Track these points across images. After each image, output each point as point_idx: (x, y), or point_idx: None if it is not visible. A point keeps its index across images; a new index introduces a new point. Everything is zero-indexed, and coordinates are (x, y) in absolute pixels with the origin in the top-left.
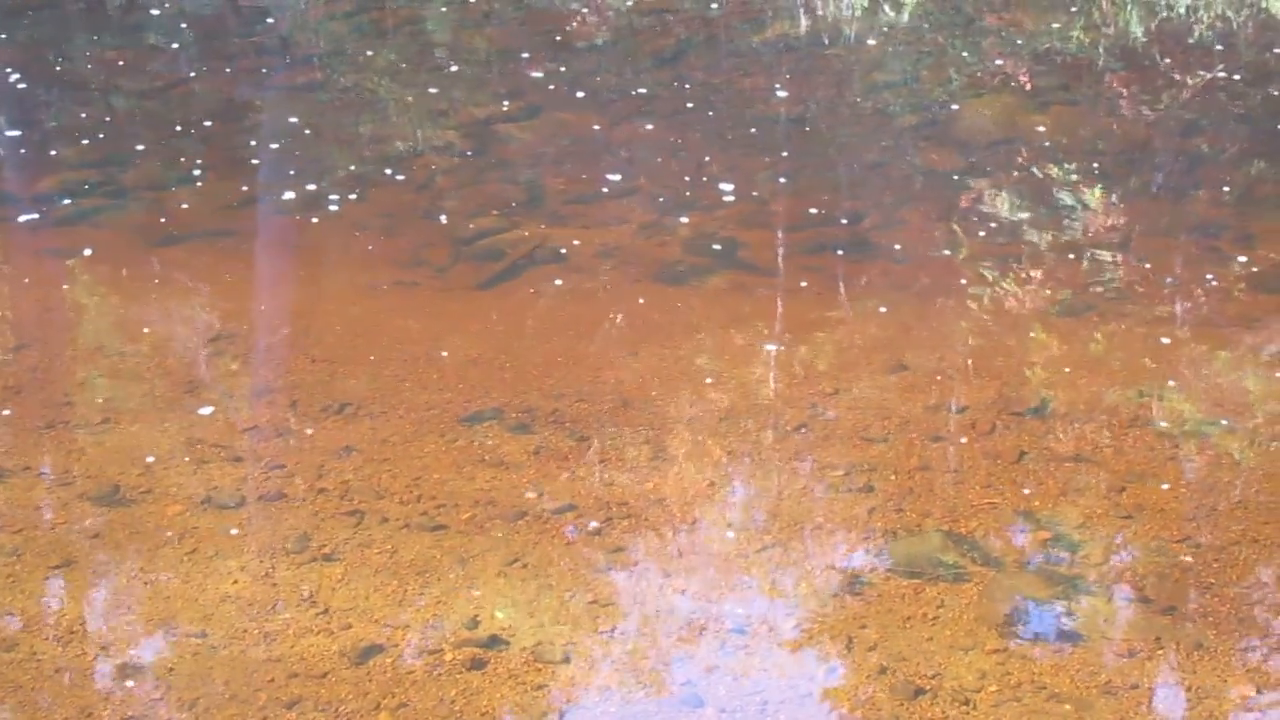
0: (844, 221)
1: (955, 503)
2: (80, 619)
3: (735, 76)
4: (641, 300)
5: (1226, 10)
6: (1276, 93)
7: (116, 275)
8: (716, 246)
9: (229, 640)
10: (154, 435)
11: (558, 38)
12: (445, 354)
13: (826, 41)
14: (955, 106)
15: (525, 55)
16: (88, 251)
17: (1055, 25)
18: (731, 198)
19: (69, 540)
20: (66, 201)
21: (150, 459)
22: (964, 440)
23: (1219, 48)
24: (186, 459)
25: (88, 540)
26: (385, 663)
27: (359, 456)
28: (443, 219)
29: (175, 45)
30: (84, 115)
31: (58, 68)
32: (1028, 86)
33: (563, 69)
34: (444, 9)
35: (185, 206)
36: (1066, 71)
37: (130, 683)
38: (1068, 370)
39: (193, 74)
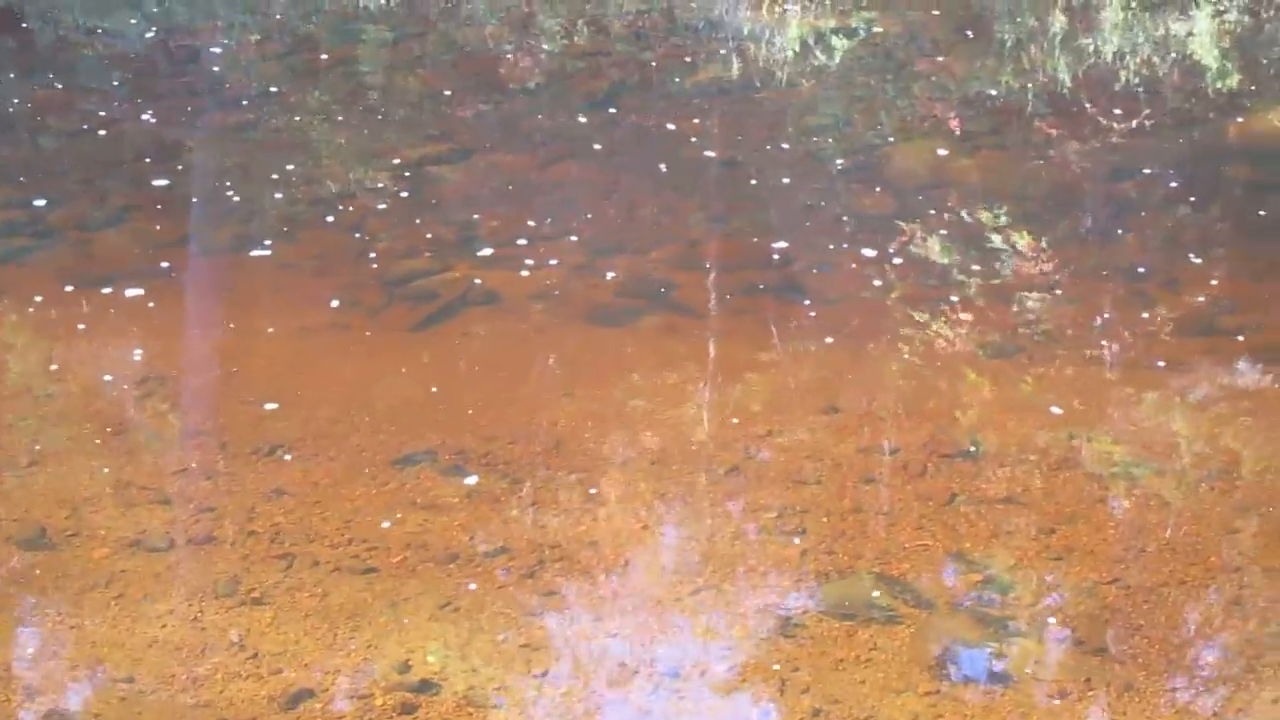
0: (776, 264)
1: (887, 545)
2: (4, 664)
3: (667, 119)
4: (574, 342)
5: (1153, 57)
6: (1201, 138)
7: (44, 316)
8: (649, 288)
9: (157, 685)
10: (81, 477)
11: (490, 80)
12: (377, 396)
13: (758, 85)
14: (886, 150)
15: (457, 97)
16: (13, 292)
17: (985, 71)
18: (664, 240)
19: None
20: None
21: (77, 501)
22: (896, 482)
23: (1145, 94)
24: (114, 501)
25: (12, 584)
26: (315, 708)
27: (290, 499)
28: (374, 260)
29: (105, 85)
30: (10, 154)
31: None
32: (957, 131)
33: (495, 111)
34: (377, 50)
35: (114, 247)
36: (996, 116)
37: None
38: (998, 412)
39: (123, 114)
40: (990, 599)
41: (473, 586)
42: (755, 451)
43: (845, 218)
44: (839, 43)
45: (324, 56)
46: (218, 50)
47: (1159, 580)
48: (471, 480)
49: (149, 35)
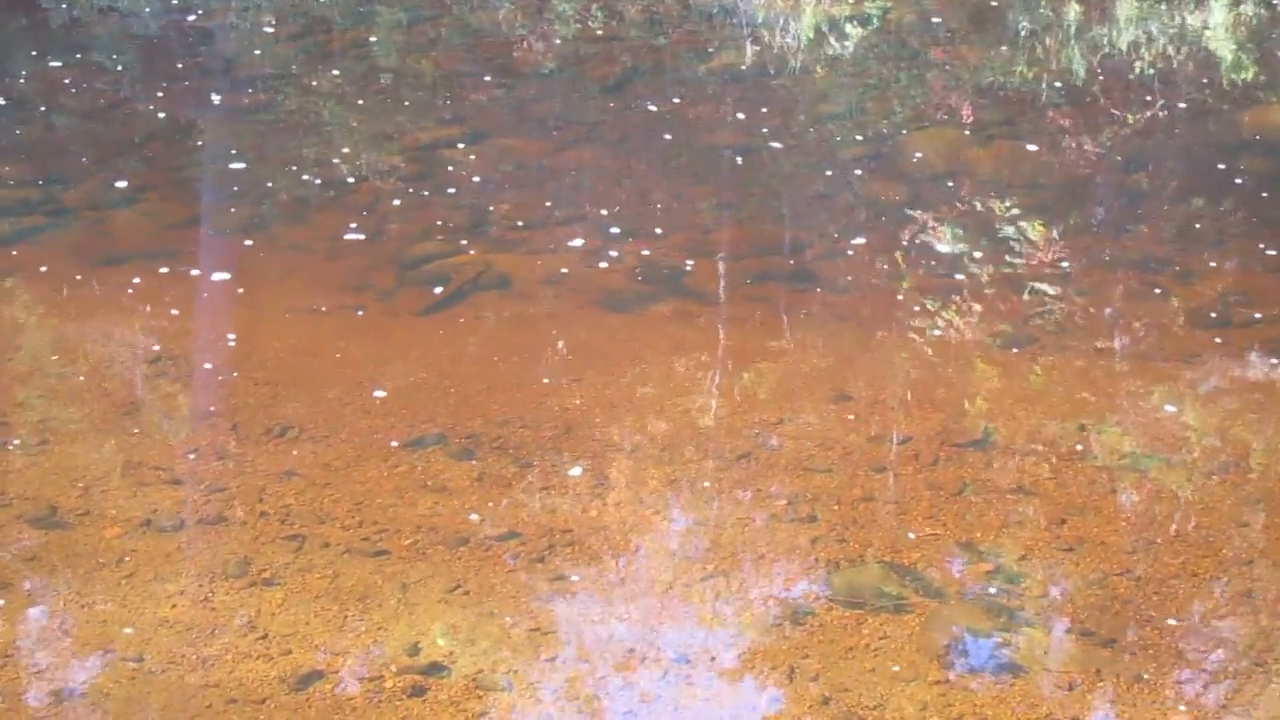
0: (788, 251)
1: (897, 534)
2: (14, 643)
3: (681, 105)
4: (585, 327)
5: (1167, 48)
6: (1216, 129)
7: (56, 295)
8: (661, 274)
9: (166, 665)
10: (92, 457)
11: (504, 64)
12: (388, 378)
13: (773, 72)
14: (899, 139)
15: (471, 80)
16: (26, 271)
17: (999, 60)
18: (676, 226)
19: (4, 562)
20: (6, 220)
21: (88, 481)
22: (906, 471)
23: (1159, 85)
24: (125, 481)
25: (24, 562)
26: (325, 689)
27: (300, 480)
28: (387, 243)
29: (119, 65)
30: (25, 133)
31: None
32: (971, 120)
33: (509, 95)
34: (391, 32)
35: (127, 227)
36: (1009, 106)
37: (65, 708)
38: (1009, 403)
39: (136, 93)
40: (1000, 589)
41: (482, 570)
42: (766, 439)
43: (858, 206)
44: (853, 30)
45: (338, 38)
46: (231, 31)
47: (1169, 572)
48: (481, 464)
49: (163, 15)
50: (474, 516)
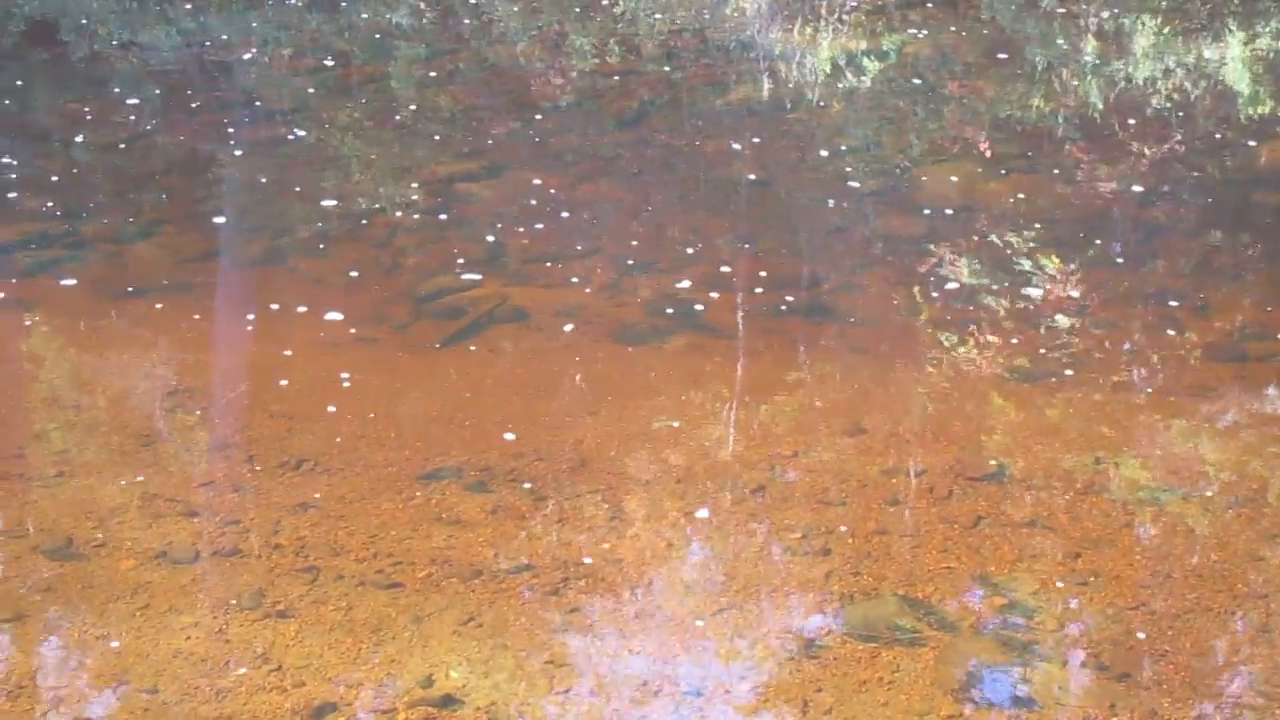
0: (804, 285)
1: (912, 567)
2: (30, 674)
3: (698, 139)
4: (601, 360)
5: (1184, 81)
6: (1232, 163)
7: (74, 327)
8: (677, 308)
9: (181, 697)
10: (109, 489)
11: (522, 98)
12: (404, 411)
13: (789, 105)
14: (916, 172)
15: (489, 114)
16: (45, 303)
17: (1015, 94)
18: (692, 259)
19: (20, 594)
20: (26, 252)
21: (104, 512)
22: (921, 504)
23: (1176, 118)
24: (141, 513)
25: (39, 594)
26: None
27: (315, 513)
28: (404, 276)
29: (138, 98)
30: (45, 166)
31: (19, 118)
32: (988, 154)
33: (526, 128)
34: (409, 67)
35: (145, 259)
36: (1026, 140)
37: None
38: (1025, 436)
39: (155, 127)
40: (1015, 623)
41: (497, 603)
42: (781, 471)
43: (874, 239)
44: (870, 64)
45: (356, 72)
46: (251, 65)
47: (1185, 606)
48: (496, 496)
49: (183, 50)
50: (488, 550)
